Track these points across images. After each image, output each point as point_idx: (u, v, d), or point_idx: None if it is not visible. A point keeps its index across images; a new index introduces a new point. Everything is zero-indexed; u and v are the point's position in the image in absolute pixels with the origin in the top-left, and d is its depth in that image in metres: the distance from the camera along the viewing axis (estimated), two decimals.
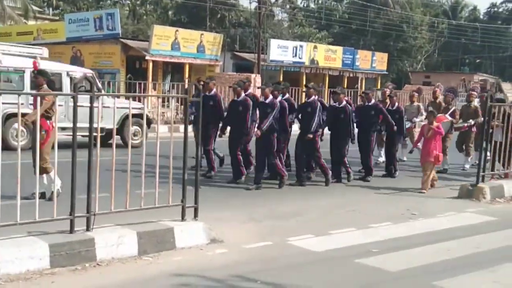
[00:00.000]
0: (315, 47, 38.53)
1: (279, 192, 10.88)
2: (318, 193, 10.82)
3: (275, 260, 6.73)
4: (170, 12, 55.23)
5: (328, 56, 38.47)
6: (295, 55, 35.95)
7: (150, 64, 29.07)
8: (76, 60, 30.20)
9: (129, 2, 56.14)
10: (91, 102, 6.59)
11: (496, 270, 6.66)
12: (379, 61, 42.92)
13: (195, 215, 7.56)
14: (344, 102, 12.08)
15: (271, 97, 11.00)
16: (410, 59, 61.36)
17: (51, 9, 52.52)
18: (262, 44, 33.38)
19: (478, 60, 70.03)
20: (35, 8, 41.56)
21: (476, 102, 15.12)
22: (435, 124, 11.33)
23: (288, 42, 38.66)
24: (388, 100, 13.70)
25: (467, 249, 7.56)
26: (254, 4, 37.53)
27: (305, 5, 63.05)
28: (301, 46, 36.89)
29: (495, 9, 75.48)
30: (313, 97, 11.58)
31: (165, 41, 29.66)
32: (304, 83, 31.60)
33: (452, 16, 65.54)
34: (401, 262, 6.83)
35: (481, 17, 72.75)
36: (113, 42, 29.32)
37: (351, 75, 40.28)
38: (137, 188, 7.00)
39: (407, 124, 13.93)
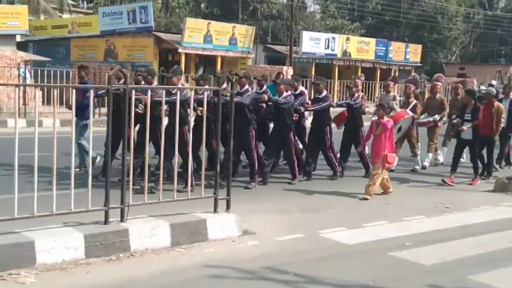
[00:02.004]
0: (348, 39, 38.24)
1: (310, 184, 10.84)
2: (348, 186, 10.74)
3: (307, 253, 6.72)
4: (202, 5, 55.33)
5: (361, 48, 38.15)
6: (328, 47, 35.73)
7: (183, 57, 29.23)
8: (109, 53, 30.56)
9: None
10: (125, 94, 6.65)
11: None
12: (413, 53, 42.42)
13: (227, 207, 7.60)
14: (325, 92, 11.37)
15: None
16: (445, 51, 60.48)
17: (85, 2, 53.11)
18: (294, 36, 33.26)
19: None
20: (69, 1, 42.07)
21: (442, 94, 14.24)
22: (385, 118, 10.16)
23: (321, 34, 38.43)
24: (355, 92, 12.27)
25: (502, 243, 7.44)
26: None
27: None
28: (333, 38, 36.65)
29: None
30: (325, 92, 11.38)
31: (197, 34, 29.78)
32: (314, 75, 31.45)
33: (488, 7, 64.34)
34: (435, 256, 6.76)
35: None
36: (146, 35, 29.54)
37: (384, 67, 39.88)
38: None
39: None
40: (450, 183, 11.22)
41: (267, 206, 8.89)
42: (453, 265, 6.48)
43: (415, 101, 12.82)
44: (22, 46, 29.50)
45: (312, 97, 12.96)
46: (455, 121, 11.54)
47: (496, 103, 12.23)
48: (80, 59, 30.79)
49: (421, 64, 46.10)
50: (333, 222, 8.11)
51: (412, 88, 13.12)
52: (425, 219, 8.61)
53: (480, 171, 11.94)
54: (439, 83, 14.01)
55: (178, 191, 7.43)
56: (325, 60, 36.00)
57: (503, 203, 9.88)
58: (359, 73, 27.93)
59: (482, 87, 13.74)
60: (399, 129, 12.12)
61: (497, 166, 13.14)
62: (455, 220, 8.62)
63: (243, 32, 32.56)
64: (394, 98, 13.48)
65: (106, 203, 6.49)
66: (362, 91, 13.60)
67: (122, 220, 6.60)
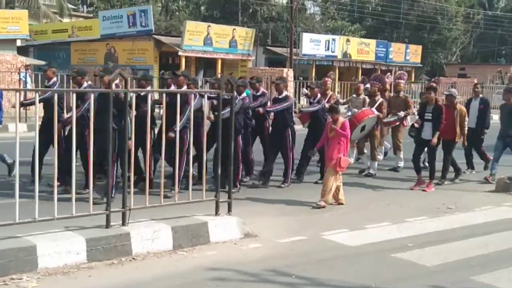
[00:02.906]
0: (348, 40, 38.30)
1: (312, 186, 10.81)
2: (351, 188, 10.73)
3: (309, 255, 6.71)
4: (202, 8, 55.45)
5: (361, 49, 38.21)
6: (328, 49, 35.79)
7: (183, 60, 29.27)
8: (110, 57, 30.59)
9: None
10: (125, 97, 6.65)
11: None
12: (413, 54, 42.49)
13: (229, 210, 7.59)
14: (285, 93, 10.74)
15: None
16: (445, 51, 60.51)
17: (85, 6, 53.24)
18: (294, 38, 33.28)
19: None
20: (69, 6, 42.16)
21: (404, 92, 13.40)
22: (340, 120, 9.22)
23: (321, 35, 38.50)
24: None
25: (505, 243, 7.42)
26: None
27: None
28: (333, 40, 36.71)
29: None
30: (285, 92, 10.76)
31: (197, 37, 29.82)
32: (314, 77, 31.42)
33: (488, 7, 64.35)
34: (437, 257, 6.74)
35: None
36: (146, 38, 29.59)
37: (385, 68, 39.89)
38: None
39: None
40: (427, 189, 10.67)
41: (268, 209, 8.89)
42: (456, 265, 6.47)
43: (381, 100, 12.23)
44: (22, 51, 29.58)
45: (272, 97, 12.07)
46: (416, 125, 10.87)
47: (459, 105, 11.55)
48: (81, 63, 30.84)
49: (421, 65, 46.19)
50: (335, 224, 8.09)
51: (377, 86, 12.57)
52: (427, 219, 8.59)
53: (456, 174, 11.74)
54: (402, 81, 13.26)
55: (165, 196, 7.43)
56: (326, 61, 36.05)
57: (505, 203, 9.85)
58: (360, 75, 27.98)
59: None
60: (363, 128, 11.65)
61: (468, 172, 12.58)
62: (458, 220, 8.60)
63: (243, 35, 32.60)
64: (364, 101, 12.43)
65: (108, 207, 6.49)
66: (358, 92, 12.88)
67: (123, 223, 6.59)
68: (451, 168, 11.64)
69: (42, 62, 26.76)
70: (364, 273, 6.14)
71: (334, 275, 6.02)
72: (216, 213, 7.40)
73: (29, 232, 6.06)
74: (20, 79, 21.15)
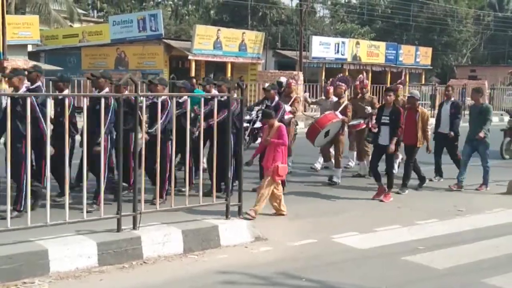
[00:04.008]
0: (358, 43, 38.22)
1: (321, 189, 10.81)
2: (359, 190, 10.71)
3: (320, 258, 6.71)
4: (212, 12, 55.59)
5: (370, 52, 38.11)
6: (337, 52, 35.73)
7: (193, 64, 29.30)
8: (120, 61, 30.70)
9: (171, 2, 56.73)
10: (136, 102, 6.69)
11: None
12: (423, 56, 42.30)
13: (239, 213, 7.61)
14: (276, 99, 10.30)
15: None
16: (455, 53, 60.27)
17: (95, 11, 53.51)
18: (304, 41, 33.27)
19: None
20: (80, 11, 42.36)
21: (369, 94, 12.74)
22: (276, 126, 8.47)
23: (330, 38, 38.43)
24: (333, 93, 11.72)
25: None
26: (295, 1, 37.51)
27: (346, 1, 62.60)
28: (343, 43, 36.65)
29: None
30: (276, 98, 10.34)
31: (207, 41, 29.86)
32: (324, 80, 31.32)
33: (498, 8, 64.04)
34: (448, 260, 6.72)
35: None
36: (156, 42, 29.65)
37: (395, 70, 39.79)
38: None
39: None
40: (384, 199, 9.90)
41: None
42: (467, 268, 6.45)
43: (346, 102, 11.47)
44: (33, 56, 29.73)
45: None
46: (373, 129, 10.27)
47: (421, 108, 10.94)
48: (91, 67, 30.94)
49: (431, 67, 45.99)
50: (345, 227, 8.09)
51: (343, 88, 11.70)
52: (438, 222, 8.56)
53: (420, 183, 11.16)
54: (365, 80, 12.56)
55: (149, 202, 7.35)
56: (335, 64, 35.98)
57: None
58: (370, 78, 27.92)
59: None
60: (327, 134, 10.96)
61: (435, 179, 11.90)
62: (468, 223, 8.57)
63: (253, 38, 32.60)
64: (333, 104, 11.71)
65: (118, 211, 6.52)
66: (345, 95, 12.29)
67: (134, 227, 6.62)
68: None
69: (53, 67, 26.94)
70: (374, 276, 6.14)
71: (344, 278, 6.02)
72: (227, 217, 7.42)
73: (40, 236, 6.10)
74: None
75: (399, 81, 14.05)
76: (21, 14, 32.20)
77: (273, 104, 10.22)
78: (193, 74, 28.55)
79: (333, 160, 11.44)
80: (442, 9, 56.63)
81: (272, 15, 51.45)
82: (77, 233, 6.41)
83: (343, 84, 11.82)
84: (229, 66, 31.12)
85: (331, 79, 13.17)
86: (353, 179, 11.80)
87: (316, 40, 35.32)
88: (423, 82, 40.72)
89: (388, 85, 35.03)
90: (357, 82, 12.45)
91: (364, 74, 13.77)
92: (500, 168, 13.96)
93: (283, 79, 13.36)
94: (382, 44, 39.87)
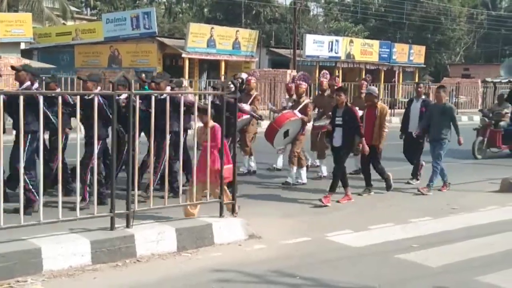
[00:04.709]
0: (351, 41, 38.31)
1: (314, 187, 10.79)
2: (353, 189, 10.67)
3: (313, 256, 6.70)
4: (205, 10, 55.54)
5: (364, 50, 38.21)
6: (331, 50, 35.81)
7: (186, 62, 29.31)
8: (114, 59, 30.65)
9: (165, 0, 56.64)
10: (129, 100, 6.66)
11: None
12: (417, 54, 42.44)
13: (233, 211, 7.60)
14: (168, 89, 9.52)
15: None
16: (449, 52, 60.42)
17: (88, 9, 53.38)
18: (297, 40, 33.31)
19: None
20: (73, 8, 42.26)
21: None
22: (211, 125, 7.64)
23: (324, 37, 38.52)
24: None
25: (510, 243, 7.39)
26: (289, 0, 37.47)
27: None
28: (337, 41, 36.74)
29: None
30: (168, 89, 9.61)
31: (201, 39, 29.86)
32: (318, 78, 31.32)
33: (491, 7, 64.24)
34: (442, 258, 6.73)
35: None
36: (149, 40, 29.63)
37: (388, 68, 39.88)
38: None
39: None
40: (327, 203, 9.24)
41: (272, 210, 8.88)
42: (461, 266, 6.45)
43: (306, 101, 10.87)
44: (26, 54, 29.65)
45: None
46: (320, 123, 9.97)
47: (380, 104, 10.43)
48: (84, 65, 30.91)
49: (425, 66, 46.12)
50: (339, 225, 8.09)
51: (304, 87, 10.97)
52: (431, 220, 8.58)
53: (387, 186, 10.52)
54: (325, 80, 11.80)
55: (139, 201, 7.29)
56: (329, 62, 36.05)
57: (510, 204, 9.82)
58: (363, 76, 27.86)
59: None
60: (286, 133, 10.50)
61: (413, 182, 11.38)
62: (462, 221, 8.58)
63: (247, 36, 32.61)
64: (294, 102, 11.10)
65: (112, 209, 6.50)
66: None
67: (128, 226, 6.60)
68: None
69: (46, 65, 26.87)
70: (368, 274, 6.14)
71: (339, 276, 6.01)
72: (220, 215, 7.40)
73: (34, 234, 6.07)
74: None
75: (363, 78, 13.62)
76: (13, 12, 32.07)
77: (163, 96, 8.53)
78: (187, 72, 28.60)
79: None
80: (435, 8, 56.77)
81: (266, 13, 51.43)
82: (70, 231, 6.39)
83: (304, 83, 11.09)
84: (222, 64, 31.12)
85: (292, 77, 12.48)
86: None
87: (310, 38, 35.39)
88: (416, 80, 40.83)
89: (382, 83, 35.16)
90: (322, 79, 11.99)
91: (369, 77, 13.70)
92: (493, 166, 14.05)
93: (244, 75, 12.88)
94: (375, 43, 39.98)
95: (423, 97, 11.73)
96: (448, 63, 57.93)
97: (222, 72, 30.40)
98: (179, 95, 8.06)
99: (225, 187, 7.63)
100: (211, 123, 7.68)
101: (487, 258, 6.77)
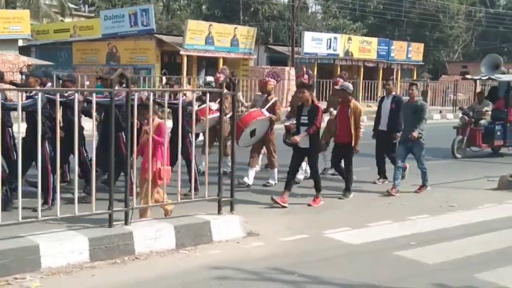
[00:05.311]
0: (350, 38, 38.30)
1: (310, 185, 10.74)
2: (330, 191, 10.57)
3: (312, 253, 6.72)
4: (203, 7, 55.45)
5: (363, 47, 38.20)
6: (329, 47, 35.80)
7: (185, 59, 29.28)
8: (112, 56, 30.61)
9: None
10: (127, 97, 6.65)
11: None
12: (415, 52, 42.44)
13: (231, 209, 7.61)
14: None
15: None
16: (447, 49, 60.42)
17: (86, 6, 53.25)
18: (296, 37, 33.29)
19: None
20: (71, 5, 42.16)
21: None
22: (155, 122, 7.28)
23: (322, 34, 38.51)
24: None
25: (507, 241, 7.42)
26: None
27: None
28: (335, 38, 36.73)
29: None
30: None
31: (199, 36, 29.84)
32: (316, 76, 31.35)
33: (489, 4, 64.23)
34: (440, 255, 6.74)
35: None
36: (147, 37, 29.61)
37: (386, 66, 39.89)
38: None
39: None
40: (282, 203, 8.87)
41: (270, 207, 8.88)
42: (458, 263, 6.47)
43: (274, 99, 10.39)
44: (24, 51, 29.59)
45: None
46: (287, 123, 9.53)
47: (353, 102, 9.88)
48: (83, 62, 30.89)
49: (423, 63, 46.14)
50: (337, 222, 8.10)
51: (272, 83, 10.45)
52: (429, 218, 8.59)
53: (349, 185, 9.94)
54: (271, 80, 10.76)
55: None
56: (327, 60, 36.05)
57: (507, 201, 9.84)
58: (362, 73, 27.96)
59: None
60: (253, 133, 10.12)
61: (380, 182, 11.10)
62: (460, 218, 8.60)
63: (245, 33, 32.59)
64: (266, 100, 10.50)
65: (110, 206, 6.50)
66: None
67: (126, 223, 6.60)
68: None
69: (44, 62, 26.84)
70: (366, 271, 6.15)
71: (337, 273, 6.03)
72: (219, 212, 7.41)
73: (32, 231, 6.08)
74: (22, 79, 21.14)
75: (338, 74, 13.15)
76: (11, 9, 32.01)
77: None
78: (185, 69, 28.58)
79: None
80: (434, 5, 56.74)
81: (264, 11, 51.37)
82: (68, 229, 6.39)
83: (272, 80, 10.65)
84: (220, 61, 31.09)
85: (264, 74, 11.98)
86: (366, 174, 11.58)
87: (308, 35, 35.37)
88: (414, 78, 40.86)
89: (380, 81, 35.17)
90: (300, 74, 11.47)
91: (345, 74, 13.14)
92: (491, 164, 14.07)
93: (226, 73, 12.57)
94: (374, 40, 39.97)
95: (393, 93, 11.34)
96: (446, 61, 57.92)
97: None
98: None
99: (159, 188, 7.32)
100: (156, 120, 7.34)
101: (484, 255, 6.79)
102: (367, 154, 11.39)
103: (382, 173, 11.23)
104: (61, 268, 5.84)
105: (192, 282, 5.73)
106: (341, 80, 11.43)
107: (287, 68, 28.21)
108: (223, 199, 7.47)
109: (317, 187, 9.25)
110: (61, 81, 9.01)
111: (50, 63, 27.28)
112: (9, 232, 5.94)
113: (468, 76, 19.50)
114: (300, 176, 10.69)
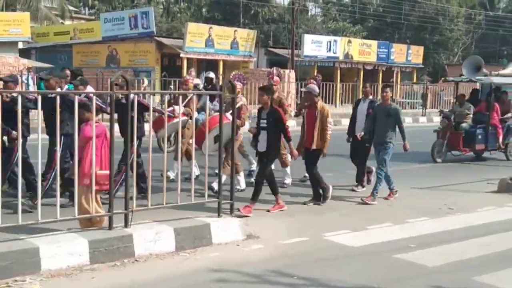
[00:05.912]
0: (349, 41, 38.30)
1: (309, 188, 10.72)
2: (349, 190, 10.63)
3: (311, 256, 6.72)
4: (203, 10, 55.45)
5: (362, 50, 38.20)
6: (329, 50, 35.80)
7: (185, 62, 29.30)
8: (112, 59, 30.63)
9: (163, 0, 56.56)
10: (127, 100, 6.66)
11: None
12: (415, 54, 42.44)
13: (231, 211, 7.62)
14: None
15: None
16: (447, 52, 60.41)
17: (87, 8, 53.30)
18: (295, 40, 33.30)
19: None
20: (71, 8, 42.22)
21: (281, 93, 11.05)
22: (96, 123, 6.70)
23: (322, 37, 38.50)
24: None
25: (507, 244, 7.42)
26: (287, 0, 37.49)
27: None
28: (335, 41, 36.73)
29: None
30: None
31: (199, 38, 29.86)
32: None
33: (489, 7, 64.29)
34: (439, 257, 6.75)
35: None
36: (148, 40, 29.63)
37: (386, 69, 39.90)
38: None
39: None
40: (247, 214, 8.24)
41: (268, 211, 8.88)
42: (458, 266, 6.48)
43: (240, 103, 9.74)
44: (24, 53, 29.62)
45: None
46: (250, 128, 9.36)
47: (320, 103, 9.45)
48: (83, 65, 30.88)
49: (423, 66, 46.12)
50: (337, 225, 8.10)
51: (238, 87, 9.46)
52: (429, 220, 8.60)
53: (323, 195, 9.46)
54: (239, 84, 9.91)
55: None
56: (327, 63, 36.05)
57: (507, 204, 9.85)
58: (362, 76, 27.89)
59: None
60: (217, 138, 9.02)
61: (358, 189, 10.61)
62: (459, 221, 8.60)
63: (245, 36, 32.61)
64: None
65: (110, 208, 6.51)
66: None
67: (126, 225, 6.61)
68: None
69: (44, 65, 26.84)
70: (365, 273, 6.16)
71: (336, 275, 6.03)
72: (219, 215, 7.42)
73: (32, 234, 6.09)
74: (22, 82, 21.16)
75: (311, 76, 12.79)
76: (11, 11, 32.04)
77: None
78: (185, 72, 28.55)
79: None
80: (433, 8, 56.78)
81: (264, 13, 51.38)
82: (68, 231, 6.40)
83: (239, 83, 9.90)
84: (221, 64, 31.12)
85: (232, 75, 11.15)
86: (344, 179, 11.73)
87: (308, 38, 35.38)
88: (414, 80, 40.86)
89: (380, 83, 35.18)
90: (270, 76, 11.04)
91: (319, 76, 12.72)
92: (490, 167, 14.07)
93: (212, 75, 12.71)
94: (374, 43, 39.98)
95: (370, 97, 10.80)
96: (446, 64, 57.89)
97: (220, 71, 30.38)
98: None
99: (97, 196, 6.94)
100: (97, 121, 6.91)
101: (483, 258, 6.79)
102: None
103: (360, 180, 10.74)
104: (61, 270, 5.85)
105: (191, 285, 5.74)
106: (315, 83, 10.90)
107: (287, 71, 28.22)
108: (222, 201, 7.49)
109: (274, 192, 8.84)
110: (2, 82, 8.80)
111: (50, 65, 27.28)
112: (9, 234, 5.94)
113: (449, 78, 18.92)
114: (286, 181, 10.62)
